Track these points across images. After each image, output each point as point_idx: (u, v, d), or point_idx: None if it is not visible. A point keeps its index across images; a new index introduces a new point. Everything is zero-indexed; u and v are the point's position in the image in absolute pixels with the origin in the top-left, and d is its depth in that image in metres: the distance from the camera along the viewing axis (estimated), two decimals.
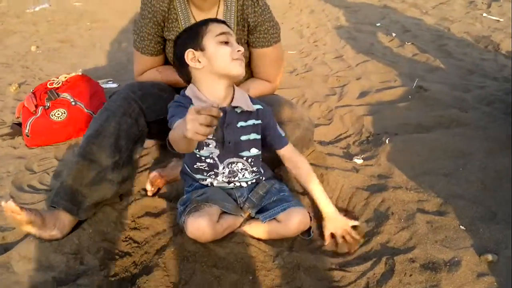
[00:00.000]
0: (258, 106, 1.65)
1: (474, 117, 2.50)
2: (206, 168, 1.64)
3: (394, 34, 4.39)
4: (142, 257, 1.59)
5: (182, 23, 1.86)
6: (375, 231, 1.67)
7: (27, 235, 1.60)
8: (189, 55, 1.53)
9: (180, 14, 1.86)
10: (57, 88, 2.63)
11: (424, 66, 3.49)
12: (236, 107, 1.58)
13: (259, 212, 1.65)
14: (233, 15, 1.87)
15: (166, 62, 2.02)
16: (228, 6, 1.87)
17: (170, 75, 1.94)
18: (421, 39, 4.17)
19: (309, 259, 1.54)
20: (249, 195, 1.68)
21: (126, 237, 1.70)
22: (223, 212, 1.59)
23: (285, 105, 1.95)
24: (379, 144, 2.29)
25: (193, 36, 1.54)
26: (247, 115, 1.61)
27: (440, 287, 1.37)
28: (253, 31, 1.89)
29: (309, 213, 1.64)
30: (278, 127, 1.72)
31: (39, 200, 1.91)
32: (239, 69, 1.52)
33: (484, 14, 4.82)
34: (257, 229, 1.64)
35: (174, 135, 1.35)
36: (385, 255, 1.53)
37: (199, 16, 1.85)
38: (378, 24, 4.83)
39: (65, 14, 5.85)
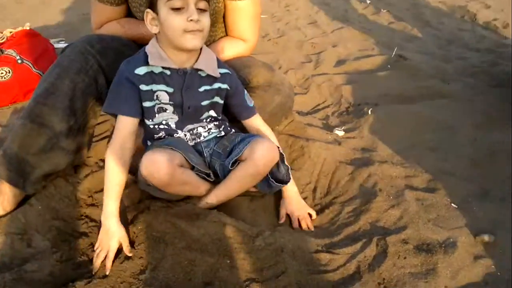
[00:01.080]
0: (225, 71, 1.48)
1: (457, 88, 2.39)
2: (165, 137, 1.45)
3: (368, 1, 4.23)
4: None
5: None
6: (363, 209, 1.54)
7: None
8: (148, 16, 1.33)
9: None
10: (1, 43, 2.33)
11: (401, 35, 3.37)
12: (200, 69, 1.40)
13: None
14: None
15: (129, 13, 1.76)
16: None
17: (133, 29, 1.70)
18: (396, 7, 4.04)
19: (293, 240, 1.39)
20: (215, 147, 1.51)
21: (81, 215, 1.50)
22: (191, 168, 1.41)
23: (263, 68, 1.76)
24: (361, 115, 2.15)
25: None
26: (212, 78, 1.44)
27: (437, 271, 1.26)
28: None
29: (278, 148, 1.46)
30: (246, 96, 1.55)
31: None
32: (191, 43, 1.30)
33: None
34: (227, 185, 1.47)
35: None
36: (375, 235, 1.41)
37: None
38: None
39: None
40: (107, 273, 1.24)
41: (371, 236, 1.40)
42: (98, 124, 1.90)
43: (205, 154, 1.51)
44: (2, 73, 2.19)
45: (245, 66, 1.71)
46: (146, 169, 1.30)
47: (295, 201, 1.55)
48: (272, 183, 1.49)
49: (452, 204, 1.52)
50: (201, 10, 1.29)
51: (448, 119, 2.06)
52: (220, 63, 1.48)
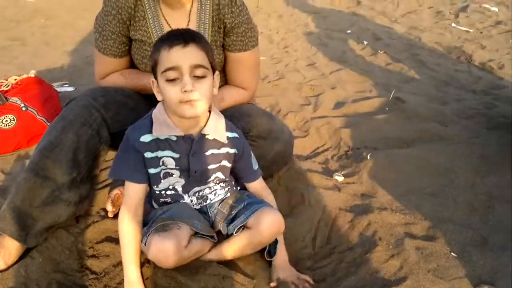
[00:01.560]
0: (234, 135, 1.46)
1: (455, 131, 2.41)
2: (171, 202, 1.46)
3: (365, 42, 4.31)
4: None
5: (151, 21, 1.66)
6: (363, 259, 1.54)
7: None
8: (154, 84, 1.33)
9: (148, 12, 1.66)
10: (6, 91, 2.37)
11: (398, 76, 3.41)
12: (207, 134, 1.39)
13: (230, 223, 1.46)
14: (207, 15, 1.69)
15: (132, 65, 1.81)
16: (203, 5, 1.68)
17: (136, 79, 1.75)
18: (393, 48, 4.10)
19: None
20: (219, 207, 1.51)
21: (82, 267, 1.50)
22: (193, 234, 1.39)
23: (263, 116, 1.79)
24: (360, 160, 2.17)
25: (152, 62, 1.31)
26: (221, 143, 1.42)
27: None
28: (230, 33, 1.71)
29: (281, 217, 1.43)
30: (252, 159, 1.55)
31: None
32: (189, 113, 1.27)
33: (453, 24, 4.82)
34: (228, 248, 1.46)
35: None
36: (375, 287, 1.39)
37: (169, 15, 1.67)
38: (349, 31, 4.75)
39: (17, 10, 5.48)
40: None
41: None
42: (101, 171, 1.93)
43: (210, 214, 1.51)
44: (6, 120, 2.22)
45: (246, 115, 1.74)
46: (154, 256, 1.29)
47: (287, 269, 1.48)
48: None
49: (452, 253, 1.52)
50: (198, 78, 1.26)
51: (446, 163, 2.08)
52: (229, 126, 1.46)
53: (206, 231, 1.41)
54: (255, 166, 1.55)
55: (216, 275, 1.39)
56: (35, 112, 2.30)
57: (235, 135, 1.47)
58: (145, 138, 1.34)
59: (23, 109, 2.28)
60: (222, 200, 1.53)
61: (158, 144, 1.35)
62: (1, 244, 1.41)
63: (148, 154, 1.35)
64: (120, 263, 1.49)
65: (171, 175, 1.40)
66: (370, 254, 1.54)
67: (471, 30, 4.62)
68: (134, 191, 1.38)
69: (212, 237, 1.44)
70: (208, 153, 1.41)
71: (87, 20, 4.91)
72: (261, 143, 1.72)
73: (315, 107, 2.86)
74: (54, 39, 4.46)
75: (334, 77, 3.42)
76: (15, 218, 1.43)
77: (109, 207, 1.68)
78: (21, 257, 1.44)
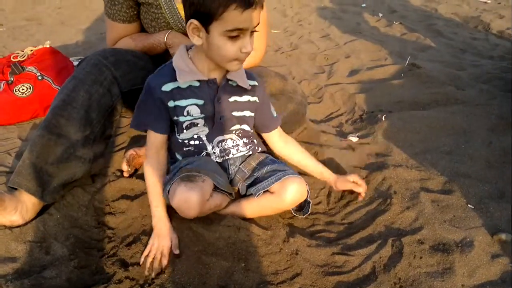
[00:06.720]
0: (254, 82, 1.44)
1: (472, 94, 2.37)
2: (195, 151, 1.44)
3: (381, 15, 4.25)
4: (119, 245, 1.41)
5: None
6: (378, 211, 1.53)
7: None
8: (192, 25, 1.21)
9: None
10: (22, 61, 2.39)
11: (414, 45, 3.36)
12: (231, 80, 1.37)
13: (251, 185, 1.46)
14: None
15: (142, 30, 1.82)
16: None
17: (144, 40, 1.76)
18: (409, 19, 4.04)
19: (308, 243, 1.39)
20: (240, 166, 1.51)
21: (99, 223, 1.51)
22: (214, 188, 1.38)
23: (276, 77, 1.79)
24: (374, 122, 2.15)
25: (205, 9, 1.16)
26: (242, 90, 1.40)
27: (453, 270, 1.25)
28: None
29: (306, 185, 1.44)
30: (271, 106, 1.54)
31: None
32: (236, 68, 1.27)
33: None
34: (247, 207, 1.46)
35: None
36: (390, 236, 1.40)
37: None
38: (363, 5, 4.69)
39: None
40: (164, 272, 1.28)
41: (386, 237, 1.39)
42: (117, 135, 1.95)
43: (230, 171, 1.50)
44: (23, 89, 2.25)
45: (259, 76, 1.73)
46: (177, 205, 1.29)
47: (342, 178, 1.60)
48: (292, 211, 1.53)
49: (469, 205, 1.51)
50: (253, 32, 1.22)
51: (463, 123, 2.05)
52: (249, 74, 1.44)
53: (226, 187, 1.41)
54: (275, 114, 1.55)
55: (230, 226, 1.39)
56: (50, 81, 2.33)
57: (255, 82, 1.45)
58: (167, 87, 1.32)
59: (39, 78, 2.31)
60: (244, 160, 1.52)
61: (180, 92, 1.33)
62: (18, 199, 1.41)
63: (171, 103, 1.33)
64: (136, 218, 1.51)
65: (196, 125, 1.38)
66: (384, 206, 1.54)
67: (489, 1, 4.51)
68: (156, 139, 1.39)
69: (230, 194, 1.44)
70: (231, 99, 1.39)
71: (101, 0, 4.93)
72: (273, 103, 1.71)
73: (329, 75, 2.84)
74: (69, 19, 4.50)
75: (348, 47, 3.38)
76: (31, 174, 1.43)
77: (125, 167, 1.70)
78: (39, 214, 1.45)
